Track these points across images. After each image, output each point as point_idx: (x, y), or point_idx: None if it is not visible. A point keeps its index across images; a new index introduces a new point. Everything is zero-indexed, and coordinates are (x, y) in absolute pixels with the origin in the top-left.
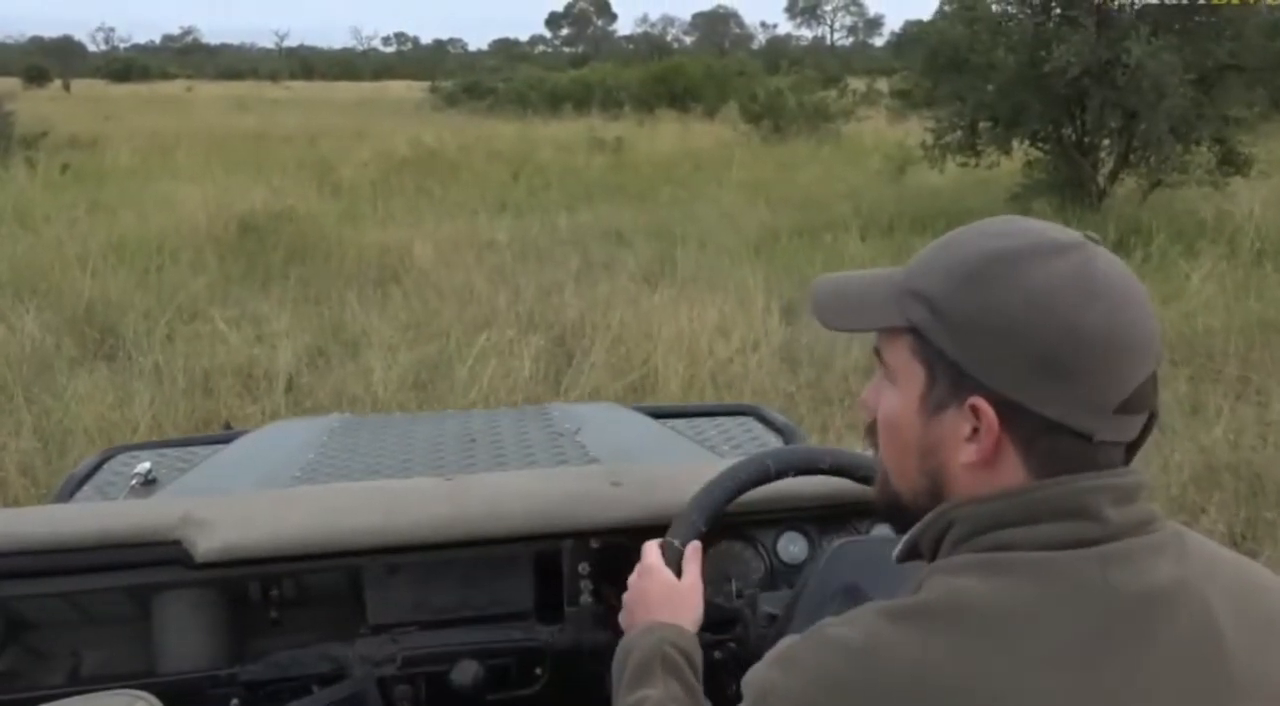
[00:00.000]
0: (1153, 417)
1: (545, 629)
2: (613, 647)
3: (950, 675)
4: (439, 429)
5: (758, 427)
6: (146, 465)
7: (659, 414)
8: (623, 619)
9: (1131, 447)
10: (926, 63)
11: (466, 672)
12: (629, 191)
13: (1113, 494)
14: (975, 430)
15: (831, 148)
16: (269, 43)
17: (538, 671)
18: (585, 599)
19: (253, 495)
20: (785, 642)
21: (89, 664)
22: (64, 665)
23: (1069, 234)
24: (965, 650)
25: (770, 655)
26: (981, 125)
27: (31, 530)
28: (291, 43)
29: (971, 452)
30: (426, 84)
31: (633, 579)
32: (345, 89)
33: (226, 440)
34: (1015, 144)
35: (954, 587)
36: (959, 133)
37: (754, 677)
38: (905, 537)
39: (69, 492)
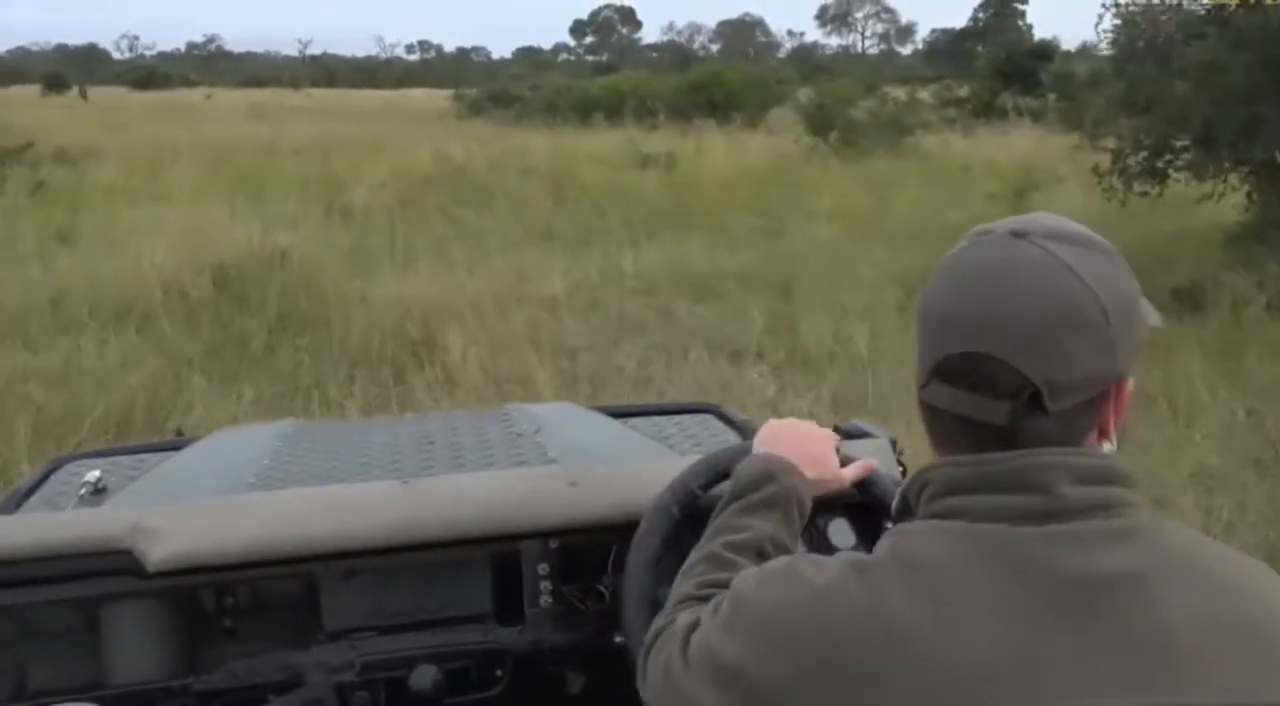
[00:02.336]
0: (1020, 411)
1: (505, 631)
2: (574, 648)
3: (893, 624)
4: (395, 432)
5: (717, 425)
6: (96, 474)
7: (618, 413)
8: (764, 433)
9: (1009, 435)
10: (1115, 64)
11: (426, 677)
12: (696, 220)
13: (1073, 472)
14: None
15: (917, 165)
16: (293, 50)
17: (498, 673)
18: (545, 600)
19: (205, 502)
20: (778, 561)
21: (38, 677)
22: (11, 679)
23: (1003, 226)
24: (908, 602)
25: (760, 568)
26: (1178, 143)
27: None
28: (315, 50)
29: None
30: (450, 92)
31: (796, 421)
32: (367, 97)
33: (178, 447)
34: (1213, 168)
35: (902, 546)
36: (1143, 153)
37: (739, 580)
38: (898, 493)
39: (15, 504)
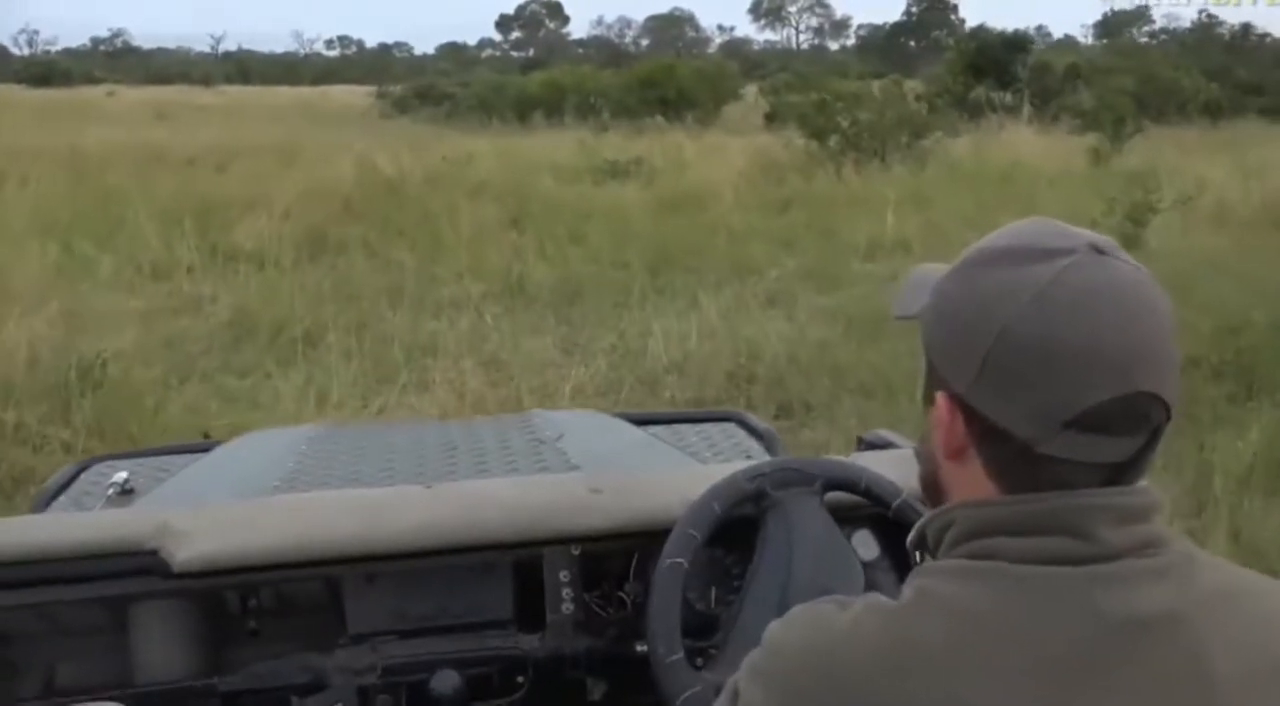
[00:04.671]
0: (1151, 443)
1: (526, 637)
2: (596, 655)
3: (916, 668)
4: (420, 437)
5: (740, 434)
6: (124, 475)
7: (642, 421)
8: None
9: (1124, 469)
10: None
11: (447, 682)
12: (715, 257)
13: (1113, 513)
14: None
15: (945, 174)
16: (206, 46)
17: (519, 680)
18: (567, 606)
19: (231, 504)
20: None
21: (64, 675)
22: (38, 677)
23: (1071, 240)
24: (934, 646)
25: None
26: None
27: (5, 541)
28: (229, 46)
29: (942, 447)
30: (373, 89)
31: None
32: (285, 94)
33: (205, 449)
34: None
35: (931, 589)
36: None
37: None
38: (915, 526)
39: (44, 503)
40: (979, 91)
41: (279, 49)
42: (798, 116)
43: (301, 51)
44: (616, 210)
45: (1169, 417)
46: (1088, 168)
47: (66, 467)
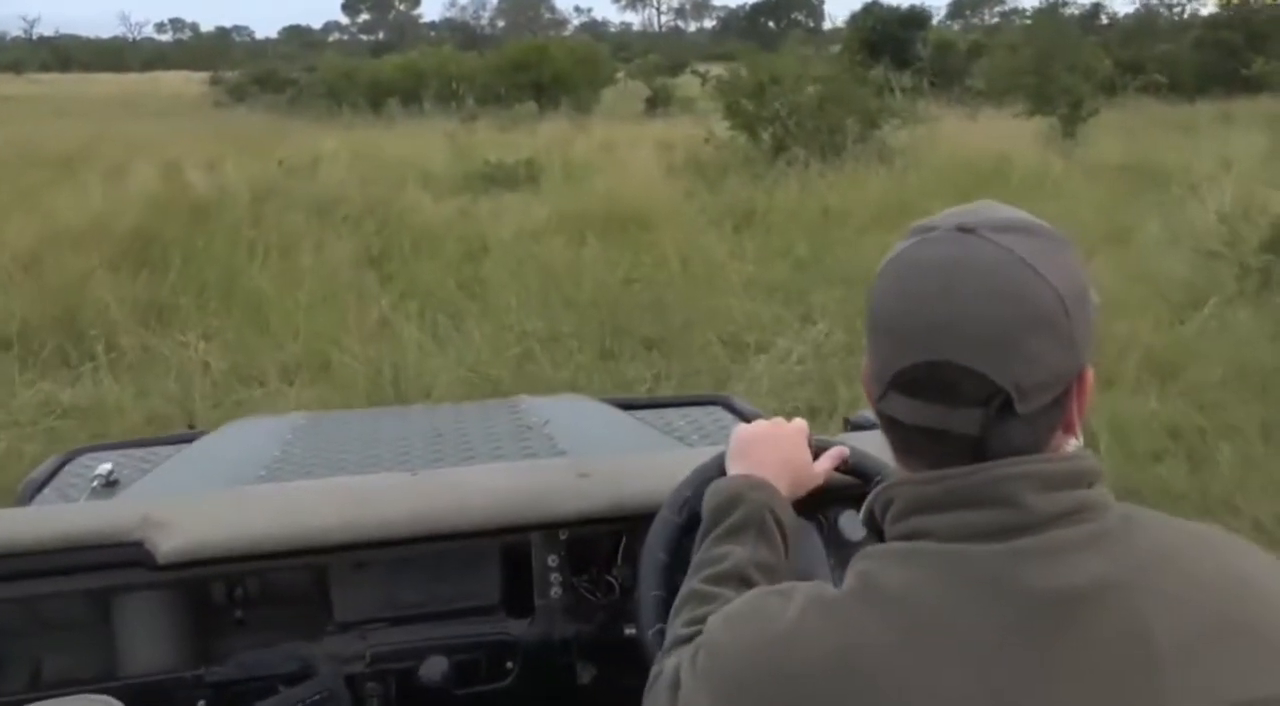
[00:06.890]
0: (999, 418)
1: (515, 622)
2: (584, 639)
3: (861, 662)
4: (405, 424)
5: (727, 417)
6: (108, 466)
7: (628, 405)
8: (732, 447)
9: (981, 444)
10: None
11: (436, 668)
12: (685, 318)
13: (1038, 480)
14: None
15: (920, 175)
16: (20, 30)
17: (508, 665)
18: (555, 591)
19: (216, 494)
20: (744, 598)
21: (50, 668)
22: (24, 670)
23: (944, 220)
24: (877, 638)
25: (727, 609)
26: None
27: None
28: (46, 30)
29: None
30: (207, 75)
31: (765, 425)
32: (109, 82)
33: (189, 440)
34: None
35: (870, 575)
36: None
37: (710, 624)
38: (865, 503)
39: (29, 496)
40: (877, 71)
41: (104, 34)
42: (726, 104)
43: (130, 36)
44: (523, 238)
45: (1009, 398)
46: (1064, 156)
47: (51, 459)
